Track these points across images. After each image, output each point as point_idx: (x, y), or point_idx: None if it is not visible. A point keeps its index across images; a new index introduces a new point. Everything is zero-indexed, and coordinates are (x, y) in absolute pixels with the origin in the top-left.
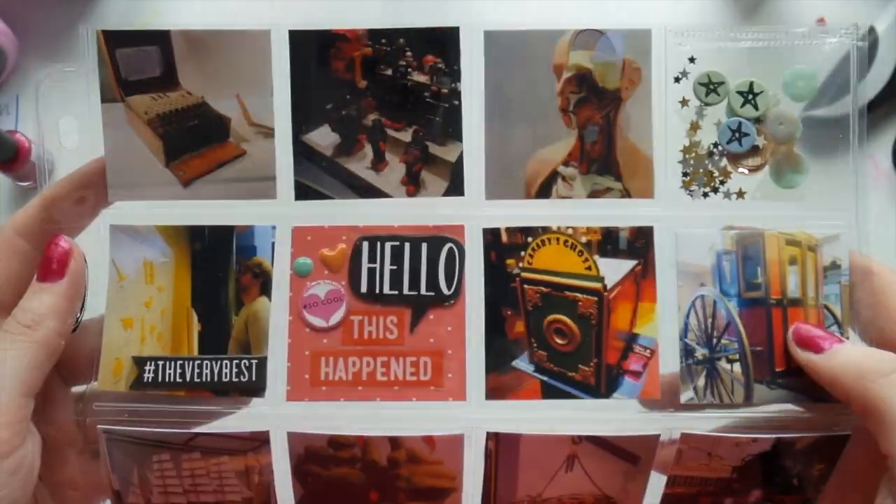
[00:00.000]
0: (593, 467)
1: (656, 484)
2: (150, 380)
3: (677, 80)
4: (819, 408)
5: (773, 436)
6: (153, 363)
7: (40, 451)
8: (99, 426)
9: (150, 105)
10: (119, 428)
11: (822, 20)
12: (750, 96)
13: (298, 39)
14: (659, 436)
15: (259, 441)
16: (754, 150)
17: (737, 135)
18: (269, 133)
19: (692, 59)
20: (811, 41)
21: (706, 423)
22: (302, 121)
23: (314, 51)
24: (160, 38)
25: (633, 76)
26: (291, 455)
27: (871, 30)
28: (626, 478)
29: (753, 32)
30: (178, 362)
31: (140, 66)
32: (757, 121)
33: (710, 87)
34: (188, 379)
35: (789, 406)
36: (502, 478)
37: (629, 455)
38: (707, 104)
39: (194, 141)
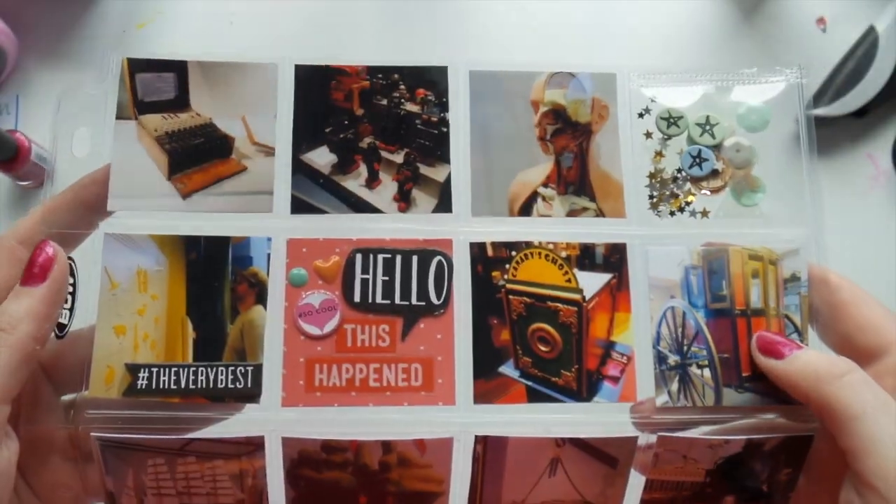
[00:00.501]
0: (575, 471)
1: (634, 491)
2: (143, 387)
3: (641, 115)
4: (784, 409)
5: (744, 437)
6: (147, 370)
7: (17, 458)
8: (92, 434)
9: (160, 123)
10: (113, 436)
11: (821, 20)
12: (707, 127)
13: (303, 72)
14: (637, 438)
15: (254, 446)
16: (714, 174)
17: (697, 160)
18: (269, 152)
19: (653, 99)
20: (760, 80)
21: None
22: (302, 142)
23: (317, 82)
24: (178, 67)
25: (601, 112)
26: (285, 459)
27: (871, 29)
28: (605, 482)
29: (708, 74)
30: (173, 369)
31: (156, 89)
32: (715, 148)
33: (671, 120)
34: (183, 386)
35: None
36: (489, 482)
37: (609, 458)
38: (669, 136)
39: (198, 157)
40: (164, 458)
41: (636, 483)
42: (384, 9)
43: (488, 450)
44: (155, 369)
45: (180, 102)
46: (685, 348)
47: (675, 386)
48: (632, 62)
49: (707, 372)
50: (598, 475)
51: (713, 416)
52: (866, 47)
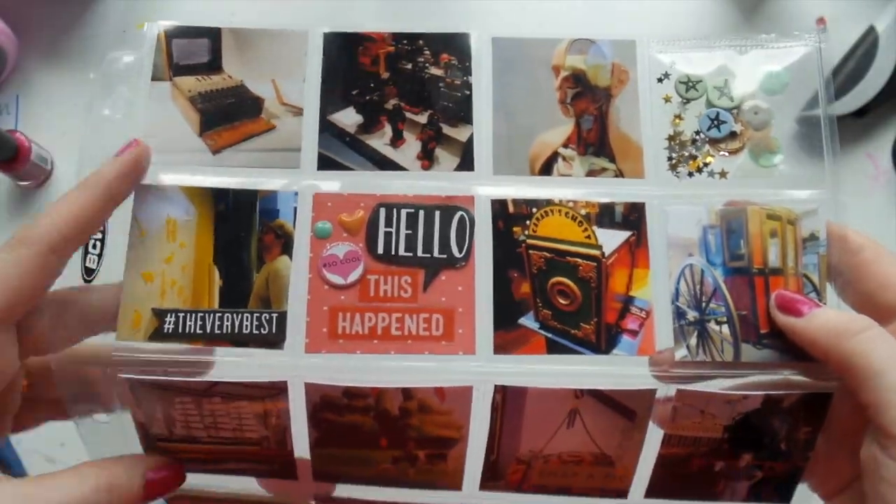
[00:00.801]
0: (593, 423)
1: (651, 446)
2: (170, 331)
3: (660, 80)
4: (803, 367)
5: (762, 392)
6: (173, 315)
7: None
8: (120, 375)
9: (193, 85)
10: (139, 377)
11: (822, 20)
12: (726, 90)
13: (331, 38)
14: (655, 391)
15: (277, 389)
16: (733, 136)
17: (715, 122)
18: (298, 112)
19: (673, 64)
20: (779, 45)
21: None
22: (329, 103)
23: (344, 48)
24: (212, 33)
25: (621, 77)
26: (308, 403)
27: (871, 29)
28: (623, 435)
29: (727, 39)
30: (199, 315)
31: (191, 53)
32: (734, 110)
33: (690, 84)
34: (208, 331)
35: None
36: (507, 431)
37: (627, 410)
38: (688, 100)
39: (229, 116)
40: (191, 397)
41: (654, 438)
42: (387, 8)
43: (507, 399)
44: (181, 314)
45: (213, 66)
46: (703, 305)
47: (693, 341)
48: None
49: (726, 328)
50: (616, 428)
51: (732, 371)
52: (866, 47)
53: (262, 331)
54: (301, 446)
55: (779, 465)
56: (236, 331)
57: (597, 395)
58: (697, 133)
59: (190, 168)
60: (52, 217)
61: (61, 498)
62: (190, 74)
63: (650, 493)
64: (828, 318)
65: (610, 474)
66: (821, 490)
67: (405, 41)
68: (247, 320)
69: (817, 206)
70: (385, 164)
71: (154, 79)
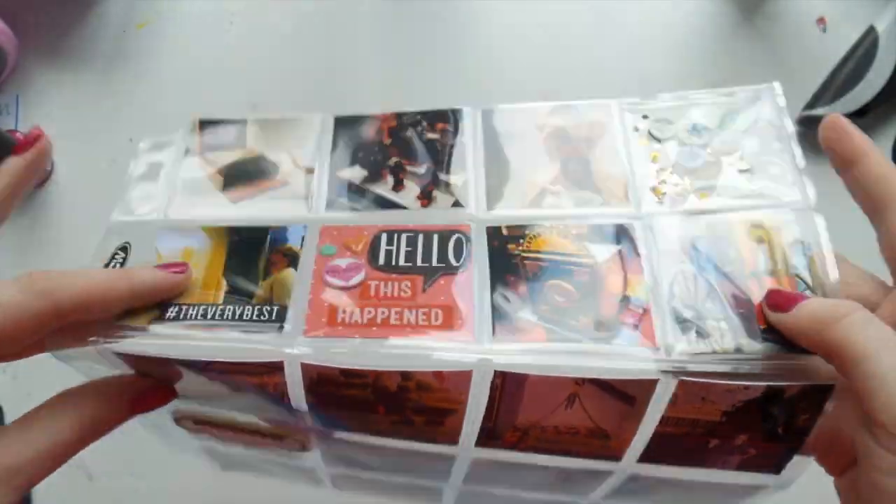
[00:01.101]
0: (592, 406)
1: (648, 424)
2: (171, 318)
3: (636, 129)
4: (804, 359)
5: (763, 384)
6: (176, 306)
7: None
8: (114, 350)
9: (219, 157)
10: (135, 353)
11: (821, 20)
12: (697, 129)
13: (341, 121)
14: (658, 380)
15: (274, 367)
16: (709, 165)
17: (691, 156)
18: (310, 171)
19: (645, 116)
20: (742, 96)
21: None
22: (338, 163)
23: (352, 126)
24: (239, 122)
25: (599, 130)
26: (305, 379)
27: (871, 29)
28: (622, 417)
29: (694, 93)
30: (202, 306)
31: (220, 136)
32: (706, 145)
33: (662, 126)
34: (209, 318)
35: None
36: (504, 409)
37: (627, 397)
38: (662, 140)
39: (248, 176)
40: (188, 368)
41: (651, 417)
42: (386, 9)
43: (507, 383)
44: (184, 306)
45: (238, 144)
46: (699, 305)
47: (693, 336)
48: (631, 64)
49: (724, 324)
50: (615, 411)
51: (736, 364)
52: (866, 47)
53: (262, 318)
54: (299, 405)
55: (774, 446)
56: (236, 319)
57: (597, 381)
58: (675, 166)
59: (209, 211)
60: (75, 284)
61: (47, 443)
62: (216, 150)
63: (643, 459)
64: (813, 308)
65: (605, 445)
66: (829, 467)
67: (405, 118)
68: (248, 311)
69: (794, 217)
70: (387, 204)
71: (186, 154)
